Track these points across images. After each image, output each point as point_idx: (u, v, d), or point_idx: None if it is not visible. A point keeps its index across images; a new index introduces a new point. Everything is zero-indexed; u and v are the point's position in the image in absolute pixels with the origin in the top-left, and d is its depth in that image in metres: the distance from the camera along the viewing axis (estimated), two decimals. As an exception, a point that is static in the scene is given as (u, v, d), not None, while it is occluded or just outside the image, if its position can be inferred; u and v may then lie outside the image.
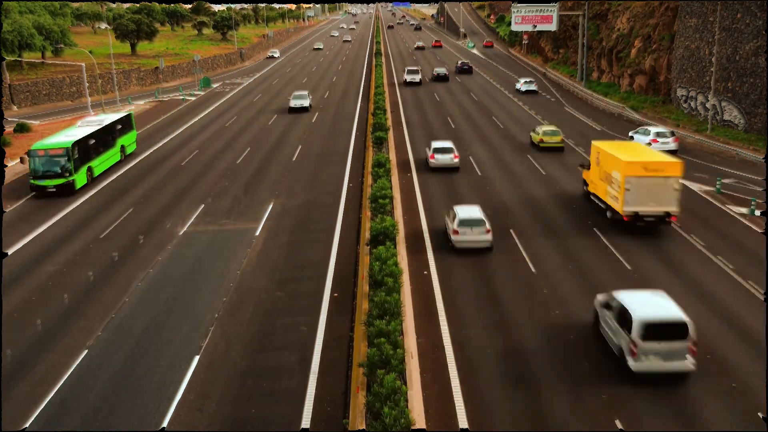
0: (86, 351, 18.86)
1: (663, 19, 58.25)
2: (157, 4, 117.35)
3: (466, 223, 25.24)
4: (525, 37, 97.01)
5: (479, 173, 36.84)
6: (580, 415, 15.60)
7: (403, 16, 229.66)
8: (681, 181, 26.55)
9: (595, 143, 30.99)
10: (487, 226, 25.32)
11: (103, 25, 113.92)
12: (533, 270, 23.68)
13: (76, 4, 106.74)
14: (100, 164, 37.30)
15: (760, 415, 15.46)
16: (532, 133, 44.19)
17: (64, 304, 22.00)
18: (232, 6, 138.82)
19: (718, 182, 33.31)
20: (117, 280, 23.65)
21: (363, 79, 77.49)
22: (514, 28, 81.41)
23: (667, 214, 26.30)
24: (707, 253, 25.19)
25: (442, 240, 26.69)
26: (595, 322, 19.33)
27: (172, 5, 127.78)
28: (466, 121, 52.60)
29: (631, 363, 16.62)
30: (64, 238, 28.22)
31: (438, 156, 37.15)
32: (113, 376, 17.66)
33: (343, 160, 40.30)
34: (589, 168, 31.13)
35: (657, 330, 16.54)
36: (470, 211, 25.99)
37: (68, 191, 33.57)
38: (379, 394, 13.13)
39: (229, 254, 25.86)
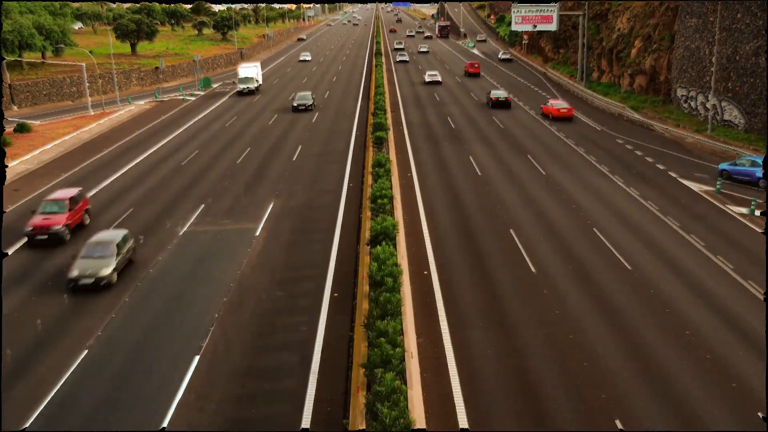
0: (86, 351, 18.86)
1: (663, 19, 58.20)
2: (157, 4, 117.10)
3: None
4: (525, 37, 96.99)
5: (479, 173, 36.89)
6: (580, 413, 15.62)
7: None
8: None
9: None
10: None
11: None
12: (533, 270, 23.72)
13: (76, 4, 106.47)
14: None
15: (760, 415, 15.45)
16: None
17: (64, 304, 22.00)
18: (232, 6, 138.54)
19: (718, 182, 33.32)
20: (117, 279, 23.64)
21: (363, 78, 77.50)
22: (514, 28, 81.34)
23: None
24: (707, 253, 25.19)
25: (442, 236, 26.81)
26: None
27: (172, 5, 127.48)
28: (466, 121, 52.60)
29: None
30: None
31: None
32: (113, 376, 17.66)
33: (343, 160, 40.29)
34: None
35: None
36: None
37: None
38: (379, 394, 13.12)
39: (230, 254, 25.85)
